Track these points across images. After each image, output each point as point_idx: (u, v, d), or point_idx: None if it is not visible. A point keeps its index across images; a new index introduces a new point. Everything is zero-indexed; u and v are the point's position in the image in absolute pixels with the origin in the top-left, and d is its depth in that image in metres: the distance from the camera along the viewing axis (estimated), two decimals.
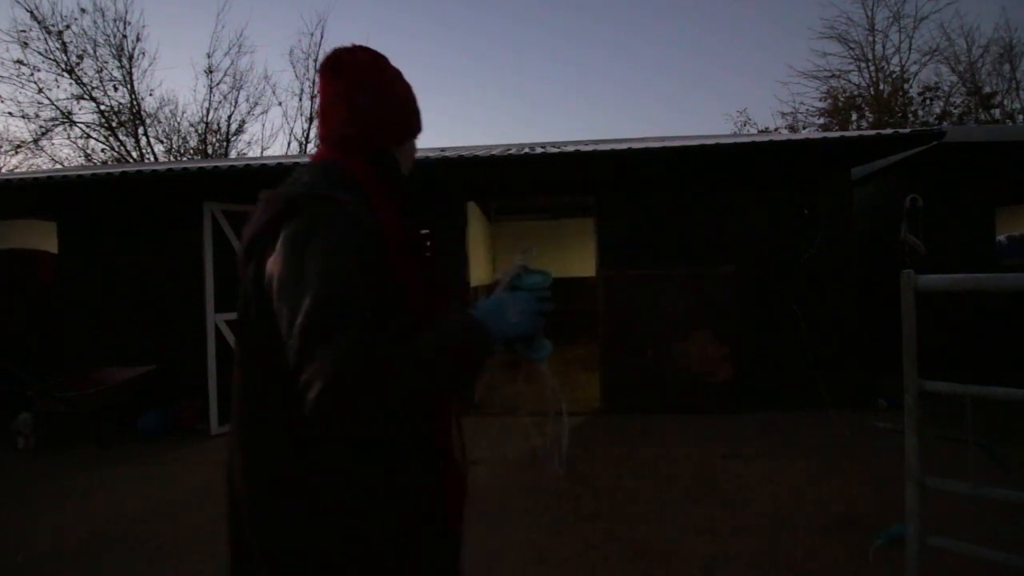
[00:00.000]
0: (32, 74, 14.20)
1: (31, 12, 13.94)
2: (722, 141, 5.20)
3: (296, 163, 5.45)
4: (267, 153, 17.29)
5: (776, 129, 17.55)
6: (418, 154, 5.77)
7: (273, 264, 0.81)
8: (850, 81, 17.20)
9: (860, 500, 3.02)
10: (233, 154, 16.63)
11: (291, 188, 0.90)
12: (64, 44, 14.34)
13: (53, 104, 14.55)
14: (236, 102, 17.04)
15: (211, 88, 16.19)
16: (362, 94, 0.97)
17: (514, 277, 0.96)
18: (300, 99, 17.22)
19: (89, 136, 15.14)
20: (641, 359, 4.99)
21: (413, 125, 1.07)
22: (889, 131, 4.62)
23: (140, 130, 15.50)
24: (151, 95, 18.52)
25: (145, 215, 5.57)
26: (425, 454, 0.92)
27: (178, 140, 16.19)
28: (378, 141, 0.99)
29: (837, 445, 3.92)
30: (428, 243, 1.11)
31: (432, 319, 0.87)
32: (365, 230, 0.83)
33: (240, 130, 16.89)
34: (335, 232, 0.80)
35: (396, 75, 1.03)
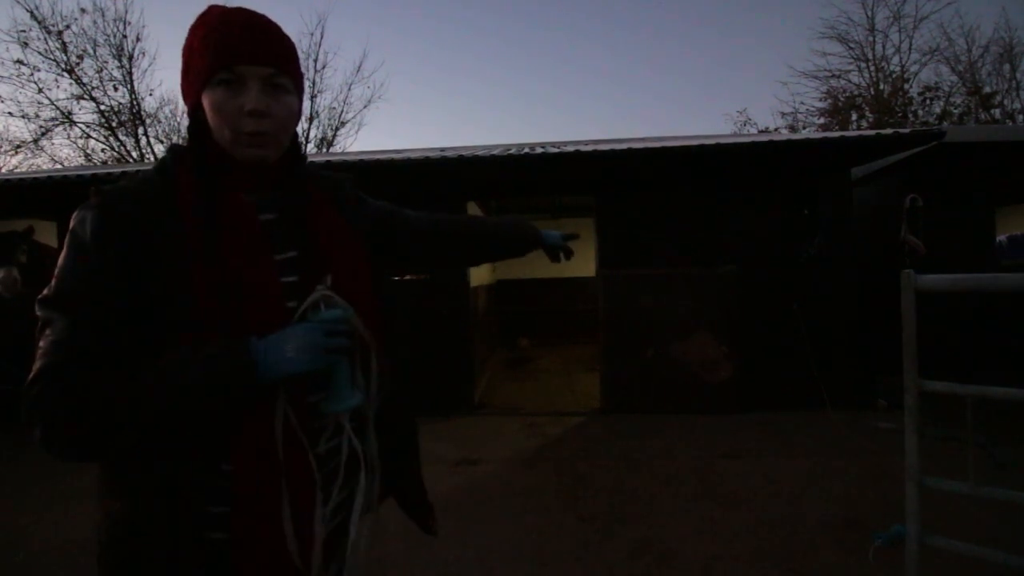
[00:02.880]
0: (32, 74, 14.18)
1: (31, 12, 13.93)
2: (722, 141, 5.20)
3: None
4: None
5: (776, 129, 17.56)
6: (418, 154, 5.67)
7: None
8: (850, 81, 17.23)
9: (860, 500, 3.02)
10: None
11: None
12: (64, 44, 14.33)
13: (53, 104, 14.55)
14: None
15: None
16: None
17: (308, 308, 0.82)
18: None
19: (89, 136, 15.13)
20: (641, 359, 4.99)
21: (192, 69, 0.81)
22: (889, 131, 4.62)
23: (140, 130, 15.50)
24: (151, 95, 18.57)
25: None
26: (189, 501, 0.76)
27: (178, 140, 16.19)
28: (187, 108, 0.85)
29: (837, 445, 3.92)
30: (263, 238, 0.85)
31: (209, 337, 0.75)
32: (112, 231, 0.74)
33: None
34: (82, 233, 0.74)
35: (192, 27, 0.83)
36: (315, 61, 17.17)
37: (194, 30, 0.81)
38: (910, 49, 16.29)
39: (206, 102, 0.80)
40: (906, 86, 16.07)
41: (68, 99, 14.75)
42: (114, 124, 15.24)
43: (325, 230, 0.91)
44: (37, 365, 0.70)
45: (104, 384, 0.70)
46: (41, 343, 0.71)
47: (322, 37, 20.61)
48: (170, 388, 0.70)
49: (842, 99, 17.17)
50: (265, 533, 0.78)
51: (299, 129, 0.97)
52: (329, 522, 0.85)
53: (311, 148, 17.10)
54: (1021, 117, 15.07)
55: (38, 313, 0.73)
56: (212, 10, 0.82)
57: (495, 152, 5.31)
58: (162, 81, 18.07)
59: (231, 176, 0.83)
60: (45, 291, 0.74)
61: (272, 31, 0.83)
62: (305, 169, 0.94)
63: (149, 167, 0.85)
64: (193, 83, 0.81)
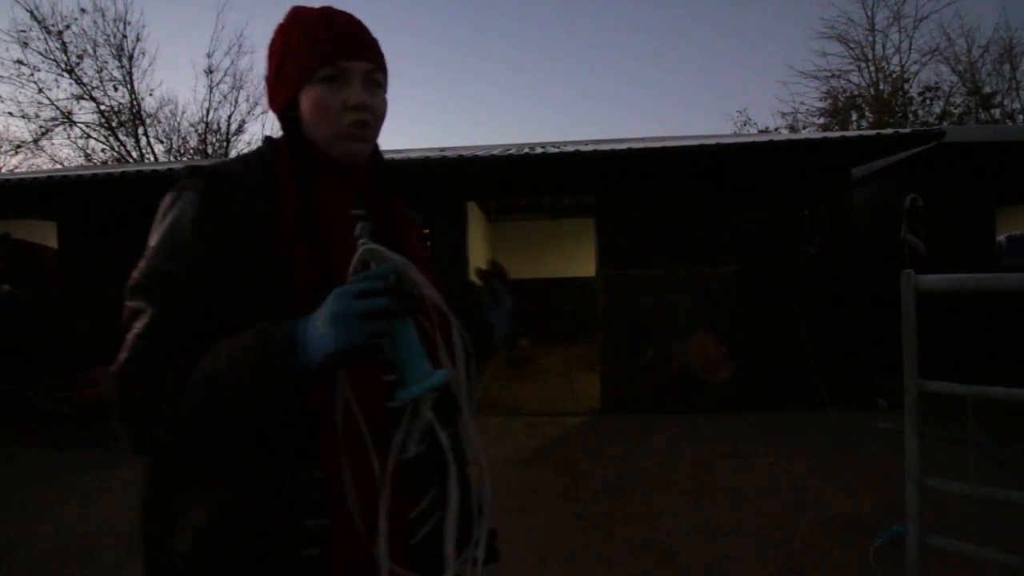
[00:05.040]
0: (32, 74, 14.19)
1: (31, 12, 13.93)
2: (722, 141, 5.20)
3: None
4: None
5: (776, 129, 17.54)
6: (418, 154, 5.68)
7: None
8: (850, 81, 17.20)
9: (860, 500, 3.02)
10: (233, 154, 16.64)
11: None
12: (64, 44, 14.33)
13: (53, 104, 14.54)
14: (236, 102, 17.14)
15: (211, 88, 16.22)
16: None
17: (355, 270, 0.66)
18: None
19: (89, 136, 15.13)
20: (641, 359, 4.99)
21: (290, 67, 0.80)
22: (889, 131, 4.62)
23: (140, 130, 15.50)
24: (151, 95, 18.48)
25: (145, 215, 5.46)
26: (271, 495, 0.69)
27: (178, 140, 16.18)
28: (274, 107, 0.85)
29: (837, 445, 3.92)
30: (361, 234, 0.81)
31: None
32: (213, 216, 0.71)
33: (240, 130, 16.90)
34: (181, 217, 0.72)
35: (283, 27, 0.83)
36: None
37: (289, 28, 0.80)
38: (910, 49, 16.28)
39: (306, 98, 0.79)
40: (906, 86, 16.06)
41: (68, 99, 14.76)
42: (114, 124, 15.24)
43: (405, 237, 0.87)
44: (122, 357, 0.67)
45: (178, 376, 0.65)
46: (128, 335, 0.68)
47: None
48: (204, 379, 0.63)
49: (842, 99, 17.15)
50: (366, 547, 0.71)
51: None
52: (424, 530, 0.82)
53: None
54: (1021, 117, 15.05)
55: (127, 302, 0.70)
56: (305, 10, 0.82)
57: (495, 152, 5.31)
58: (162, 81, 18.07)
59: (325, 173, 0.81)
60: (135, 276, 0.71)
61: (368, 30, 0.83)
62: (386, 171, 0.92)
63: (249, 151, 0.83)
64: (291, 80, 0.79)
